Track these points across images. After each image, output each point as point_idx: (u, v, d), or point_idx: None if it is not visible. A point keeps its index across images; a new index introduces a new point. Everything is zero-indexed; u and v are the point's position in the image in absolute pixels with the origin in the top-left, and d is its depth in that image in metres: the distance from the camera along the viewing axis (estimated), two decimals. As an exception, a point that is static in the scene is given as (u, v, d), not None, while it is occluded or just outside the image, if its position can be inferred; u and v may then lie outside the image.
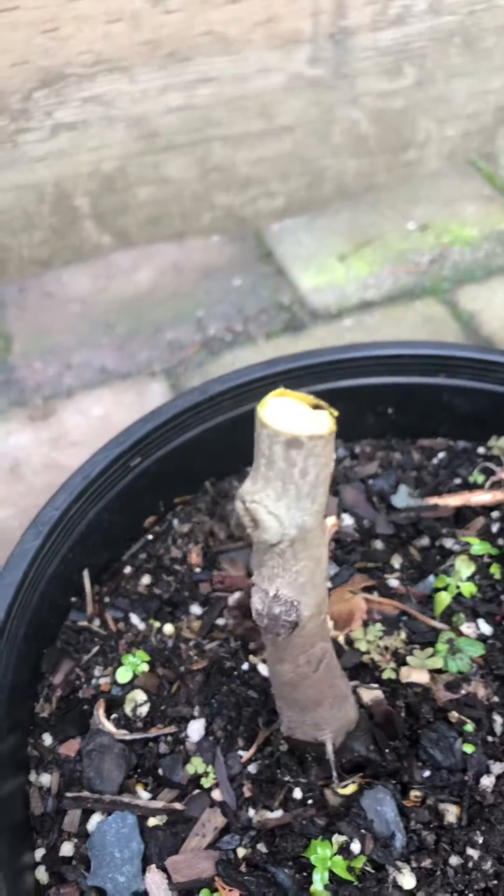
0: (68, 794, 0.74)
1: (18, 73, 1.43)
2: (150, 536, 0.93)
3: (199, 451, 0.91)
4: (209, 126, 1.60)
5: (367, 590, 0.86)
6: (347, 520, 0.93)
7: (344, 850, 0.67)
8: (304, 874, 0.67)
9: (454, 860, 0.66)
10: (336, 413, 0.45)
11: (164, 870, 0.69)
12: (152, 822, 0.72)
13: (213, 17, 1.47)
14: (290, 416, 0.44)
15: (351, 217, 1.87)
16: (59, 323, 1.70)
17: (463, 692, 0.75)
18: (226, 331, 1.67)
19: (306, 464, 0.43)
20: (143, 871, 0.70)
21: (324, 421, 0.44)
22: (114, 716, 0.78)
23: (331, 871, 0.66)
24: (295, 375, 0.92)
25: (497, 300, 1.70)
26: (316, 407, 0.45)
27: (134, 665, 0.80)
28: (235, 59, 1.53)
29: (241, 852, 0.69)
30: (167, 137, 1.59)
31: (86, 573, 0.84)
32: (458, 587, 0.81)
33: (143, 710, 0.78)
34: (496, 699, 0.75)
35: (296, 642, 0.56)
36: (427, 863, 0.66)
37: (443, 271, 1.76)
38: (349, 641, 0.80)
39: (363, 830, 0.68)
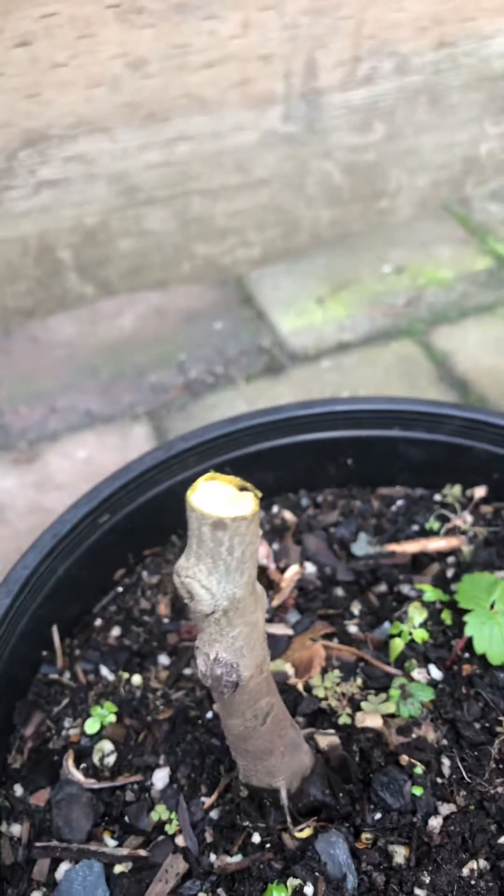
0: (38, 844, 0.77)
1: (3, 135, 1.49)
2: (120, 588, 0.97)
3: (166, 504, 0.95)
4: (188, 180, 1.67)
5: (328, 636, 0.89)
6: (310, 567, 0.97)
7: (298, 892, 0.70)
8: (262, 917, 0.70)
9: (402, 901, 0.69)
10: (260, 494, 0.49)
11: (129, 915, 0.73)
12: (118, 868, 0.75)
13: (189, 81, 1.54)
14: (218, 498, 0.48)
15: (328, 261, 1.93)
16: (44, 367, 1.75)
17: (414, 736, 0.79)
18: (207, 373, 1.72)
19: (232, 542, 0.48)
20: (109, 917, 0.73)
21: (248, 503, 0.48)
22: (82, 765, 0.81)
23: (285, 914, 0.69)
24: (257, 431, 0.96)
25: (471, 340, 1.75)
26: (242, 489, 0.49)
27: (102, 716, 0.83)
28: (212, 118, 1.60)
29: (201, 897, 0.72)
30: (147, 192, 1.65)
31: (55, 629, 0.88)
32: (410, 633, 0.85)
33: (111, 760, 0.82)
34: (445, 742, 0.78)
35: (241, 699, 0.60)
36: (376, 904, 0.69)
37: (418, 312, 1.81)
38: (308, 688, 0.84)
39: (317, 873, 0.71)
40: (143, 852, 0.75)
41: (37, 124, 1.50)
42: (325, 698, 0.83)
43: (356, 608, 0.93)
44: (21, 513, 1.49)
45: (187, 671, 0.89)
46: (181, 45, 1.50)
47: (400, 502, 1.03)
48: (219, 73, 1.54)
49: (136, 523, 0.94)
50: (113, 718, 0.83)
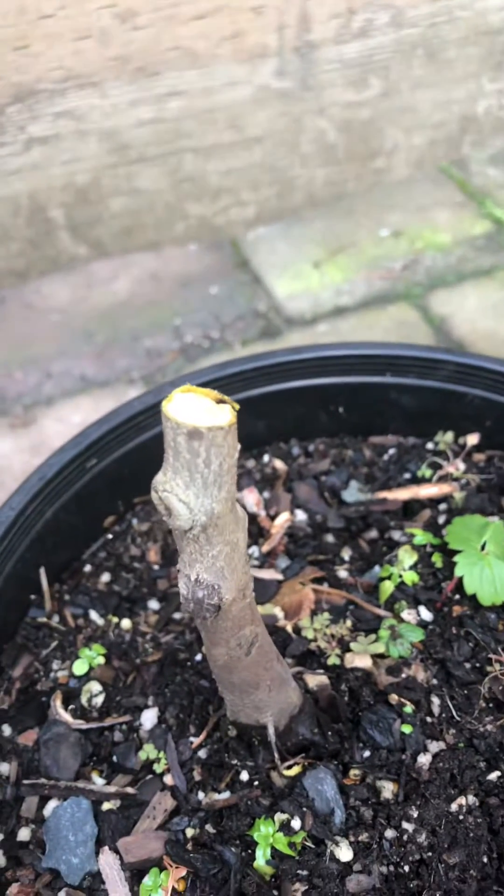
0: (26, 782, 0.77)
1: (-10, 91, 1.47)
2: (110, 535, 0.96)
3: (156, 450, 0.94)
4: (180, 138, 1.64)
5: (317, 581, 0.89)
6: (301, 515, 0.96)
7: (286, 826, 0.70)
8: (249, 851, 0.70)
9: (390, 833, 0.69)
10: (237, 406, 0.48)
11: (117, 850, 0.72)
12: (106, 806, 0.75)
13: (180, 33, 1.51)
14: (195, 409, 0.47)
15: (325, 225, 1.91)
16: (39, 333, 1.74)
17: (403, 676, 0.78)
18: (203, 338, 1.70)
19: (209, 454, 0.47)
20: (97, 852, 0.73)
21: (225, 414, 0.47)
22: (71, 707, 0.81)
23: (273, 847, 0.69)
24: (247, 377, 0.95)
25: (468, 304, 1.73)
26: (220, 402, 0.48)
27: (90, 658, 0.83)
28: (204, 72, 1.57)
29: (189, 832, 0.72)
30: (139, 150, 1.63)
31: (42, 571, 0.88)
32: (400, 576, 0.84)
33: (99, 701, 0.81)
34: (434, 682, 0.78)
35: (224, 626, 0.59)
36: (364, 836, 0.69)
37: (416, 277, 1.79)
38: (297, 630, 0.84)
39: (304, 808, 0.71)
40: (130, 790, 0.75)
41: (26, 78, 1.48)
42: (315, 639, 0.83)
43: (346, 554, 0.92)
44: (17, 476, 1.48)
45: (177, 615, 0.89)
46: (172, -4, 1.47)
47: (392, 450, 1.02)
48: (210, 25, 1.51)
49: (125, 469, 0.93)
50: (101, 660, 0.83)
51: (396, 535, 0.92)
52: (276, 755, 0.73)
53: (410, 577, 0.84)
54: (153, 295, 1.80)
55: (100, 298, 1.79)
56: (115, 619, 0.88)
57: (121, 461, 0.92)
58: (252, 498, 0.96)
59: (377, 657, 0.80)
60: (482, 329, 1.69)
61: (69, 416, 1.61)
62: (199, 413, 0.47)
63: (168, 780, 0.76)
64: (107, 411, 1.59)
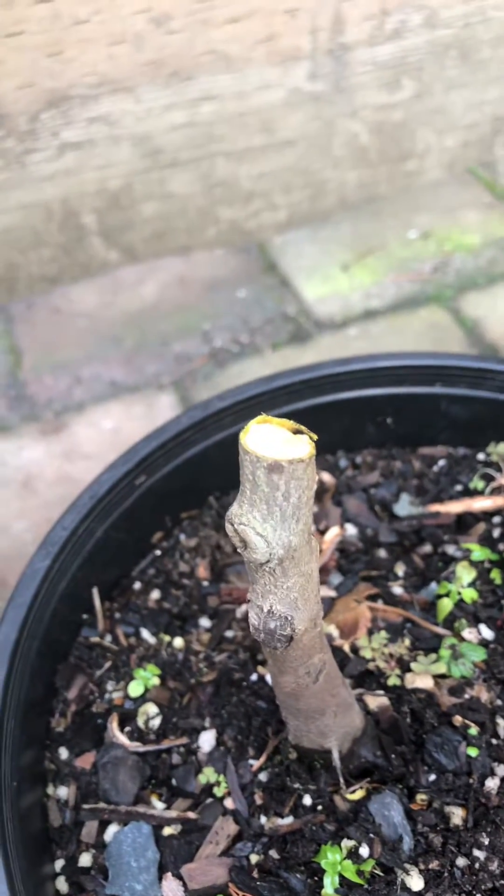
0: (85, 806, 0.76)
1: (25, 96, 1.46)
2: (158, 552, 0.95)
3: (203, 466, 0.93)
4: (212, 142, 1.63)
5: (372, 598, 0.87)
6: (351, 529, 0.95)
7: (353, 854, 0.69)
8: (316, 878, 0.69)
9: (461, 861, 0.68)
10: (315, 437, 0.47)
11: (180, 877, 0.71)
12: (167, 831, 0.74)
13: (214, 37, 1.50)
14: (272, 441, 0.46)
15: (353, 227, 1.89)
16: (67, 338, 1.74)
17: (466, 696, 0.76)
18: (232, 342, 1.69)
19: (289, 487, 0.46)
20: (160, 879, 0.72)
21: (303, 445, 0.46)
22: (127, 729, 0.80)
23: (341, 875, 0.68)
24: (294, 390, 0.94)
25: (500, 306, 1.71)
26: (296, 432, 0.47)
27: (145, 679, 0.82)
28: (237, 76, 1.56)
29: (253, 859, 0.71)
30: (171, 154, 1.62)
31: (95, 591, 0.87)
32: (459, 593, 0.83)
33: (156, 723, 0.80)
34: (499, 702, 0.76)
35: (293, 655, 0.58)
36: (434, 864, 0.68)
37: (446, 279, 1.77)
38: (354, 649, 0.82)
39: (371, 834, 0.69)
40: (192, 815, 0.74)
41: (59, 84, 1.47)
42: (373, 659, 0.81)
43: (400, 569, 0.91)
44: (49, 482, 1.48)
45: (229, 633, 0.87)
46: (205, -1, 1.46)
47: (442, 462, 1.01)
48: (244, 29, 1.50)
49: (173, 485, 0.92)
50: (156, 681, 0.82)
51: (451, 549, 0.90)
52: (341, 779, 0.72)
53: (469, 595, 0.82)
54: (181, 299, 1.79)
55: (127, 303, 1.78)
56: (168, 638, 0.87)
57: (169, 477, 0.91)
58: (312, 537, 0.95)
59: (438, 677, 0.78)
60: (516, 331, 1.66)
61: (100, 421, 1.60)
62: (276, 444, 0.46)
63: (229, 804, 0.75)
64: (138, 416, 1.59)
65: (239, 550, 0.49)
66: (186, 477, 0.93)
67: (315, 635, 0.58)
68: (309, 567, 0.52)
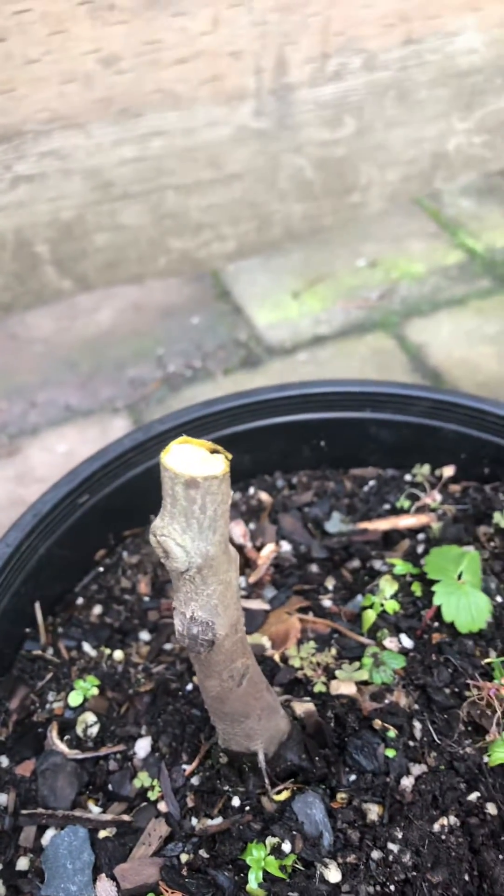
0: (24, 812, 0.79)
1: (-23, 132, 1.51)
2: (101, 568, 0.99)
3: (145, 485, 0.98)
4: (162, 175, 1.69)
5: (303, 610, 0.92)
6: (285, 546, 1.00)
7: (276, 850, 0.73)
8: (242, 875, 0.73)
9: (376, 854, 0.72)
10: (230, 456, 0.52)
11: (114, 877, 0.75)
12: (102, 834, 0.78)
13: (162, 77, 1.56)
14: (190, 460, 0.51)
15: (304, 256, 1.96)
16: (23, 363, 1.77)
17: (386, 701, 0.81)
18: (185, 367, 1.74)
19: (205, 501, 0.51)
20: (94, 880, 0.75)
21: (219, 464, 0.51)
22: (66, 737, 0.84)
23: (265, 871, 0.72)
24: (233, 414, 0.99)
25: (443, 332, 1.79)
26: (214, 451, 0.52)
27: (84, 689, 0.86)
28: (185, 114, 1.63)
29: (184, 858, 0.75)
30: (122, 187, 1.67)
31: (37, 606, 0.90)
32: (382, 605, 0.88)
33: (94, 731, 0.84)
34: (416, 706, 0.81)
35: (217, 659, 0.63)
36: (352, 858, 0.72)
37: (392, 305, 1.85)
38: (284, 659, 0.87)
39: (294, 832, 0.74)
40: (126, 817, 0.78)
41: (12, 120, 1.52)
42: (301, 668, 0.86)
43: (330, 583, 0.96)
44: (2, 505, 1.51)
45: (168, 646, 0.92)
46: (153, 41, 1.52)
47: (371, 482, 1.06)
48: (190, 70, 1.57)
49: (116, 504, 0.96)
50: (96, 691, 0.86)
51: (377, 564, 0.96)
52: (267, 781, 0.76)
53: (392, 606, 0.88)
54: (136, 325, 1.84)
55: (83, 329, 1.83)
56: (108, 651, 0.91)
57: (111, 496, 0.95)
58: (239, 530, 1.00)
59: (361, 684, 0.83)
60: (457, 357, 1.74)
61: (54, 445, 1.64)
62: (194, 463, 0.51)
63: (162, 807, 0.79)
64: (91, 440, 1.63)
65: (162, 560, 0.54)
66: (129, 496, 0.97)
67: (236, 640, 0.63)
68: (227, 575, 0.57)
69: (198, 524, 0.52)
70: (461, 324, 1.83)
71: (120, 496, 0.96)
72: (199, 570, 0.54)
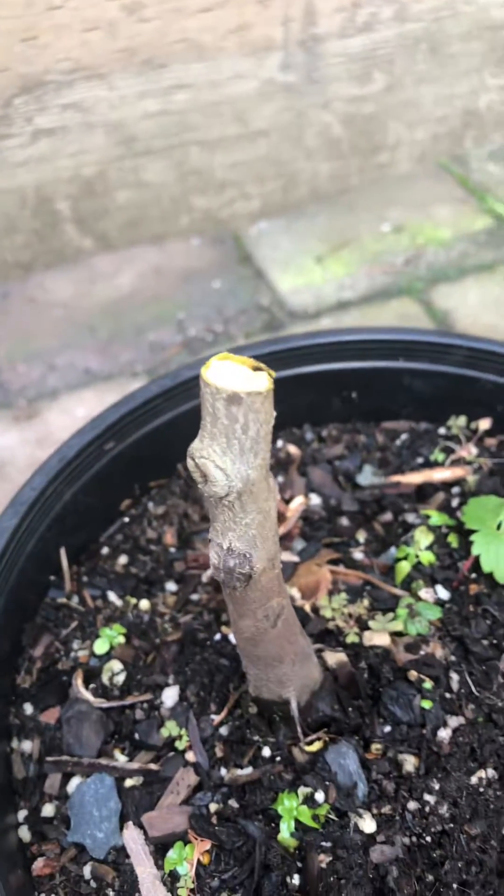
0: (49, 759, 0.77)
1: (-2, 82, 1.48)
2: (127, 518, 0.97)
3: (171, 435, 0.95)
4: (186, 131, 1.65)
5: (334, 562, 0.90)
6: (315, 499, 0.97)
7: (309, 800, 0.71)
8: (273, 825, 0.71)
9: (412, 805, 0.70)
10: (274, 374, 0.49)
11: (141, 826, 0.73)
12: (129, 783, 0.76)
13: (187, 26, 1.52)
14: (232, 376, 0.48)
15: (327, 220, 1.92)
16: (42, 327, 1.75)
17: (422, 653, 0.79)
18: (206, 331, 1.71)
19: (247, 419, 0.48)
20: (121, 827, 0.73)
21: (262, 380, 0.48)
22: (92, 685, 0.82)
23: (297, 820, 0.70)
24: (263, 361, 0.96)
25: (470, 298, 1.74)
26: (256, 369, 0.49)
27: (110, 637, 0.83)
28: (210, 65, 1.58)
29: (213, 807, 0.73)
30: (145, 142, 1.64)
31: (63, 551, 0.88)
32: (417, 556, 0.85)
33: (120, 679, 0.82)
34: (453, 658, 0.79)
35: (252, 596, 0.60)
36: (387, 809, 0.70)
37: (417, 271, 1.81)
38: (315, 610, 0.85)
39: (327, 782, 0.72)
40: (153, 766, 0.76)
41: (33, 69, 1.48)
42: (333, 619, 0.83)
43: (361, 536, 0.93)
44: (21, 468, 1.49)
45: (194, 597, 0.89)
46: (178, -12, 1.48)
47: (404, 436, 1.03)
48: (217, 18, 1.52)
49: (142, 453, 0.94)
50: (122, 640, 0.84)
51: (411, 517, 0.93)
52: (299, 730, 0.74)
53: (427, 557, 0.85)
54: (157, 289, 1.80)
55: (103, 293, 1.80)
56: (134, 601, 0.89)
57: (138, 444, 0.93)
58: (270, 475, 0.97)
59: (395, 635, 0.81)
60: (484, 323, 1.70)
61: (73, 408, 1.61)
62: (236, 380, 0.48)
63: (190, 756, 0.77)
64: (111, 403, 1.60)
65: (199, 486, 0.51)
66: (155, 445, 0.95)
67: (273, 577, 0.60)
68: (267, 504, 0.54)
69: (239, 445, 0.49)
70: (489, 290, 1.78)
71: (146, 445, 0.94)
72: (238, 496, 0.51)
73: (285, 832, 0.70)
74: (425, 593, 0.83)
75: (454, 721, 0.75)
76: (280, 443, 1.04)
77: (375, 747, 0.74)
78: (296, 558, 0.91)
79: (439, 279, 1.79)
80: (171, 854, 0.71)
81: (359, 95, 1.72)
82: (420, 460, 1.00)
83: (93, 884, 0.70)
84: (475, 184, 1.99)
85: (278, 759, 0.75)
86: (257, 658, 0.69)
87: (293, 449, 1.02)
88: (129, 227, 1.75)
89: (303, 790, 0.71)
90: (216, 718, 0.78)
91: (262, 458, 0.50)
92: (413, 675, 0.77)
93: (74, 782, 0.76)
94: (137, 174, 1.67)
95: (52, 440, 1.55)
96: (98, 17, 1.45)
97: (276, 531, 0.57)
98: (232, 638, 0.84)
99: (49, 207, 1.65)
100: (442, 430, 1.02)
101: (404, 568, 0.85)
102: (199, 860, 0.70)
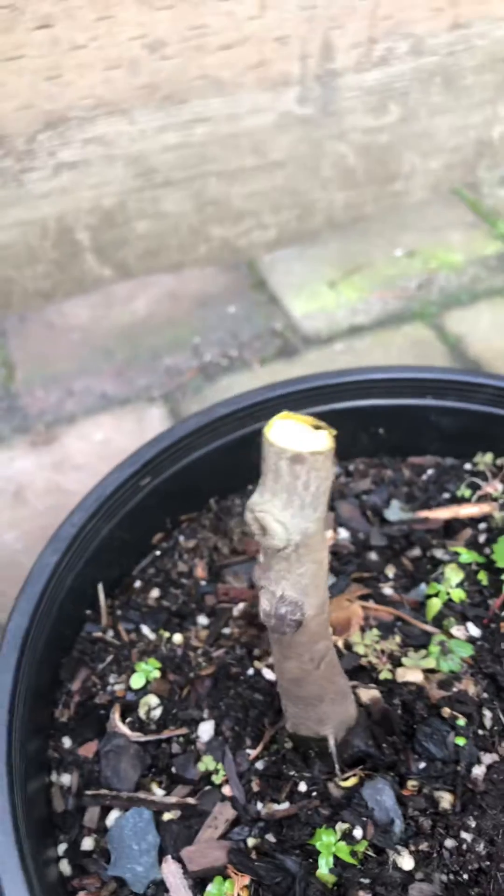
0: (88, 793, 0.79)
1: (24, 117, 1.50)
2: (158, 552, 0.99)
3: (203, 470, 0.97)
4: (205, 162, 1.68)
5: (364, 598, 0.91)
6: (343, 533, 0.99)
7: (347, 836, 0.72)
8: (311, 860, 0.72)
9: (449, 843, 0.71)
10: (335, 432, 0.51)
11: (180, 860, 0.74)
12: (167, 816, 0.77)
13: (207, 62, 1.55)
14: (293, 435, 0.50)
15: (340, 246, 1.95)
16: (60, 351, 1.77)
17: (455, 690, 0.81)
18: (221, 356, 1.73)
19: (309, 477, 0.50)
20: (160, 861, 0.75)
21: (323, 439, 0.50)
22: (129, 719, 0.83)
23: (335, 856, 0.71)
24: (292, 399, 0.98)
25: (482, 323, 1.77)
26: (316, 427, 0.51)
27: (146, 672, 0.85)
28: (229, 100, 1.61)
29: (251, 842, 0.74)
30: (165, 174, 1.67)
31: (100, 587, 0.90)
32: (448, 593, 0.87)
33: (156, 714, 0.83)
34: (485, 695, 0.80)
35: (300, 640, 0.62)
36: (424, 846, 0.71)
37: (430, 296, 1.83)
38: (348, 646, 0.86)
39: (364, 818, 0.73)
40: (191, 800, 0.77)
41: (57, 106, 1.51)
42: (365, 655, 0.85)
43: (390, 571, 0.95)
44: (39, 493, 1.51)
45: (226, 630, 0.91)
46: (199, 26, 1.51)
47: (430, 471, 1.05)
48: (236, 55, 1.55)
49: (174, 488, 0.96)
50: (157, 674, 0.85)
51: (439, 553, 0.95)
52: (336, 765, 0.75)
53: (458, 595, 0.87)
54: (172, 314, 1.83)
55: (119, 318, 1.82)
56: (167, 634, 0.90)
57: (171, 479, 0.95)
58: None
59: (428, 672, 0.82)
60: (497, 348, 1.72)
61: (91, 433, 1.63)
62: (297, 439, 0.50)
63: (227, 791, 0.78)
64: (128, 428, 1.62)
65: (257, 537, 0.53)
66: (187, 480, 0.97)
67: (322, 622, 0.62)
68: (321, 555, 0.56)
69: (300, 500, 0.51)
70: (501, 314, 1.81)
71: (179, 479, 0.96)
72: (296, 549, 0.53)
73: (324, 868, 0.71)
74: (457, 630, 0.84)
75: (488, 758, 0.76)
76: (307, 476, 1.06)
77: (411, 784, 0.75)
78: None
79: (451, 304, 1.82)
80: (211, 889, 0.72)
81: (374, 126, 1.76)
82: (446, 496, 1.02)
83: (135, 918, 0.72)
84: (487, 209, 2.02)
85: (314, 793, 0.76)
86: (298, 698, 0.70)
87: (320, 483, 1.04)
88: (148, 255, 1.77)
89: (340, 826, 0.73)
90: (252, 753, 0.80)
91: (321, 511, 0.52)
92: (446, 711, 0.79)
93: (113, 816, 0.78)
94: (157, 205, 1.69)
95: (69, 464, 1.57)
96: (120, 55, 1.48)
97: (326, 579, 0.59)
98: (265, 673, 0.86)
99: (70, 237, 1.67)
100: (468, 466, 1.05)
101: (435, 605, 0.87)
102: (238, 895, 0.72)
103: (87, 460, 1.58)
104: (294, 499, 0.51)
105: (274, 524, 0.51)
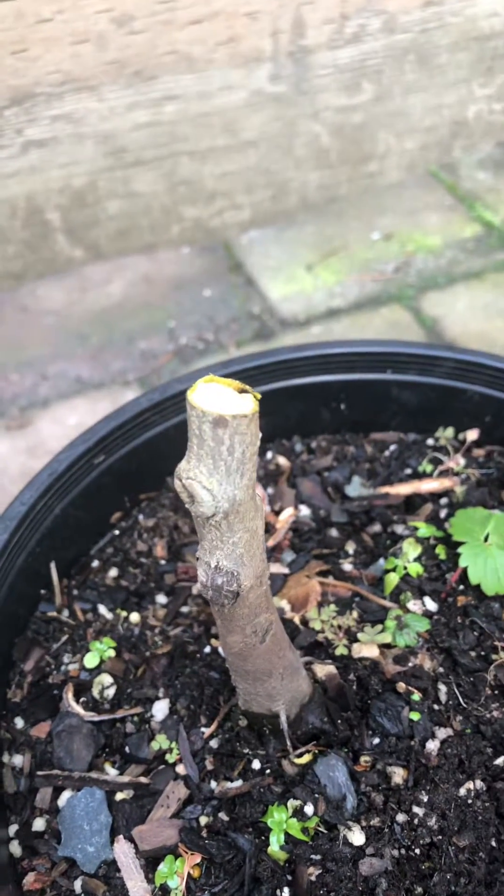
0: (40, 773, 0.78)
1: (-12, 94, 1.48)
2: (117, 531, 0.97)
3: (162, 448, 0.95)
4: (176, 141, 1.66)
5: (323, 574, 0.90)
6: (304, 510, 0.98)
7: (298, 813, 0.71)
8: (262, 838, 0.71)
9: (401, 818, 0.71)
10: (259, 396, 0.49)
11: (132, 839, 0.73)
12: (119, 796, 0.76)
13: (176, 38, 1.53)
14: (218, 399, 0.49)
15: (317, 228, 1.93)
16: (34, 335, 1.75)
17: (410, 664, 0.80)
18: (197, 340, 1.72)
19: (233, 441, 0.48)
20: (112, 841, 0.74)
21: (248, 402, 0.49)
22: (82, 699, 0.82)
23: (286, 833, 0.70)
24: (251, 374, 0.97)
25: (459, 305, 1.76)
26: (242, 391, 0.50)
27: (101, 651, 0.84)
28: (199, 77, 1.59)
29: (203, 820, 0.73)
30: (135, 153, 1.64)
31: (53, 566, 0.89)
32: (405, 568, 0.86)
33: (110, 693, 0.82)
34: (441, 670, 0.79)
35: (240, 613, 0.61)
36: (376, 821, 0.70)
37: (407, 279, 1.82)
38: (305, 622, 0.85)
39: (316, 795, 0.72)
40: (144, 780, 0.76)
41: (23, 81, 1.49)
42: (322, 631, 0.84)
43: (350, 547, 0.94)
44: (13, 477, 1.49)
45: (185, 609, 0.90)
46: (167, 0, 1.49)
47: (393, 447, 1.04)
48: (206, 30, 1.53)
49: (132, 466, 0.94)
50: (112, 653, 0.84)
51: (399, 528, 0.94)
52: (289, 743, 0.74)
53: (415, 569, 0.86)
54: (147, 297, 1.81)
55: (94, 301, 1.80)
56: (124, 613, 0.89)
57: (128, 458, 0.93)
58: (257, 493, 0.97)
59: (384, 647, 0.81)
60: (473, 330, 1.71)
61: (65, 417, 1.62)
62: (222, 402, 0.49)
63: (180, 769, 0.77)
64: (102, 413, 1.61)
65: (187, 505, 0.52)
66: (145, 458, 0.95)
67: (261, 593, 0.61)
68: (254, 523, 0.55)
69: (225, 466, 0.49)
70: (478, 297, 1.79)
71: (136, 458, 0.94)
72: (225, 516, 0.52)
73: (275, 845, 0.70)
74: (413, 605, 0.83)
75: (442, 733, 0.76)
76: (269, 454, 1.05)
77: (364, 759, 0.74)
78: (285, 570, 0.92)
79: (429, 286, 1.80)
80: (162, 868, 0.71)
81: (348, 105, 1.74)
82: (408, 471, 1.01)
83: (84, 898, 0.71)
84: (464, 191, 2.00)
85: (268, 771, 0.76)
86: (246, 673, 0.69)
87: (283, 460, 1.03)
88: (120, 236, 1.75)
89: (292, 803, 0.72)
90: (206, 731, 0.79)
91: (249, 478, 0.51)
92: (401, 687, 0.78)
93: (65, 796, 0.77)
94: (128, 184, 1.67)
95: (43, 449, 1.55)
96: (88, 29, 1.46)
97: (263, 549, 0.58)
98: (222, 651, 0.85)
99: (40, 218, 1.65)
100: (430, 441, 1.03)
101: (393, 580, 0.86)
102: (189, 873, 0.71)
103: (60, 444, 1.56)
104: (220, 464, 0.49)
105: (201, 491, 0.50)
